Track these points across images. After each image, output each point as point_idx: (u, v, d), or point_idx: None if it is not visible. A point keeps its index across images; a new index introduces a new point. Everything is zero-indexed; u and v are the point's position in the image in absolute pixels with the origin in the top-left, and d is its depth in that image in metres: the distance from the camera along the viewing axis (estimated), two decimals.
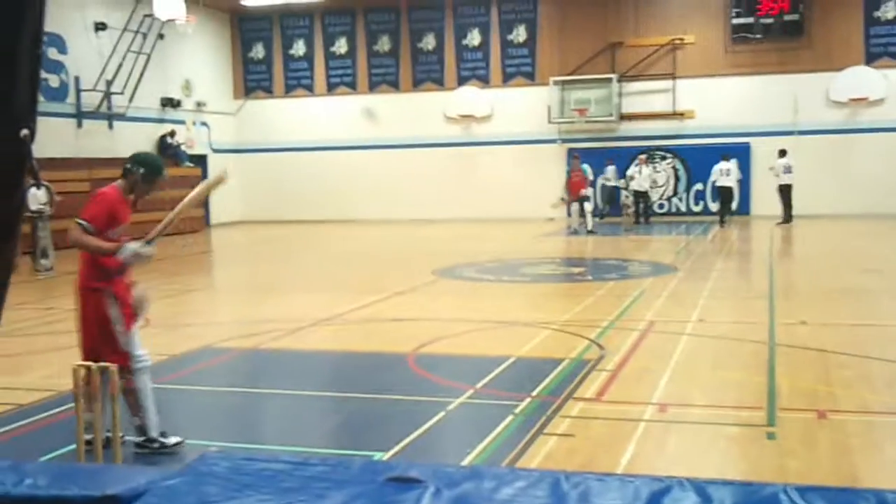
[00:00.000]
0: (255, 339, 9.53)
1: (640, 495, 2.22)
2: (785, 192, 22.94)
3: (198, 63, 27.97)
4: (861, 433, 6.00)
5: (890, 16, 24.72)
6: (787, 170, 22.75)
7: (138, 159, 5.87)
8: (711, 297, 11.83)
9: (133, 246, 5.58)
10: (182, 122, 26.69)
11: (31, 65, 2.13)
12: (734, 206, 24.21)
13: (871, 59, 24.79)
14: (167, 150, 25.17)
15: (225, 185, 6.33)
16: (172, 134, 25.85)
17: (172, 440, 5.80)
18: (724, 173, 23.37)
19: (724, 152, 23.96)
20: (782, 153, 23.01)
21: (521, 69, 27.42)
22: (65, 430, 5.71)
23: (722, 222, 23.29)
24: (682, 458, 5.58)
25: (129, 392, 5.69)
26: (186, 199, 5.71)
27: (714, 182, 24.02)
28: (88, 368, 5.02)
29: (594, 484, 2.29)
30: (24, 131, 2.13)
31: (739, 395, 6.92)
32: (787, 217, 22.90)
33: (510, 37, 27.46)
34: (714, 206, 25.00)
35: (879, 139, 24.68)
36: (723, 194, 23.56)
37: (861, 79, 24.60)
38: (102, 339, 5.64)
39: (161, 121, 25.77)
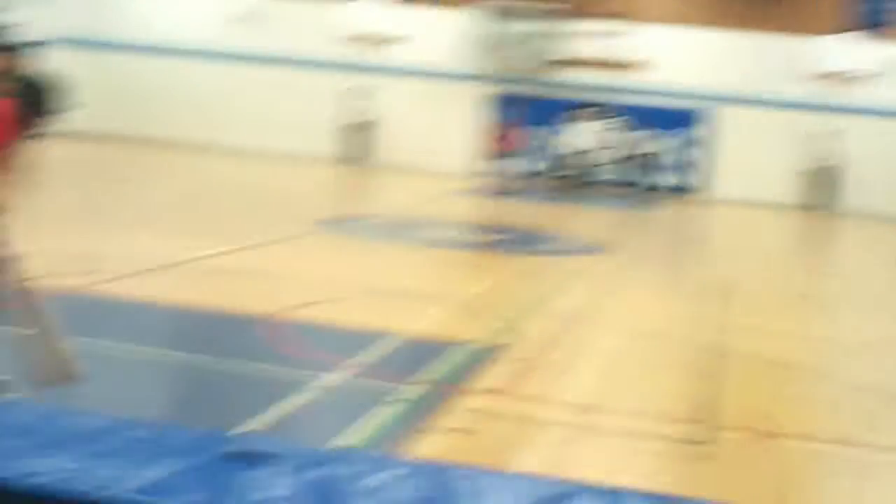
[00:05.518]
0: (83, 279, 9.29)
1: (540, 497, 2.21)
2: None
3: None
4: (803, 462, 6.18)
5: None
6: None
7: None
8: (649, 288, 12.02)
9: None
10: None
11: None
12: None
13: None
14: None
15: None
16: None
17: None
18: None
19: (679, 116, 25.00)
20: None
21: None
22: None
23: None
24: (598, 470, 5.64)
25: None
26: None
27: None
28: None
29: (486, 479, 2.27)
30: None
31: (672, 405, 7.05)
32: None
33: None
34: (664, 181, 25.72)
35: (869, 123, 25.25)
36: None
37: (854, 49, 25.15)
38: None
39: None
